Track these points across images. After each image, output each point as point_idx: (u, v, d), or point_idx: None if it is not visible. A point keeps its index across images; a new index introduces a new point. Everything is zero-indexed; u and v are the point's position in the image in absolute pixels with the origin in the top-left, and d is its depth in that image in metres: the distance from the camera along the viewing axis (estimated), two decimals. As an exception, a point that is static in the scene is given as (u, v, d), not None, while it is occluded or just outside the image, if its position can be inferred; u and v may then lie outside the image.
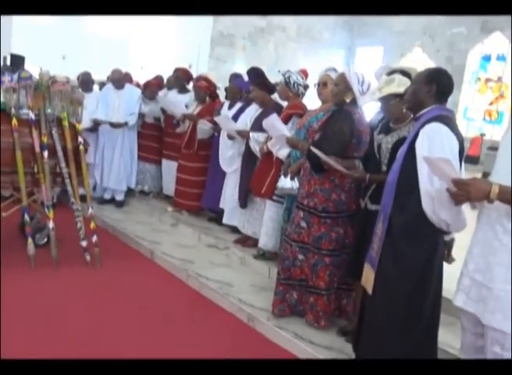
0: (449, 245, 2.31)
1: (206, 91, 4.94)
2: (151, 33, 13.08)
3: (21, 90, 3.79)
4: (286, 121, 3.58)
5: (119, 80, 5.32)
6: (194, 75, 15.97)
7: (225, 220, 4.59)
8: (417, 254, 2.10)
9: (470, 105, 16.94)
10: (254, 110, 4.29)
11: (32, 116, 3.75)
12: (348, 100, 2.84)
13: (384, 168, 2.56)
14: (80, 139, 3.97)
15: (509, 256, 1.76)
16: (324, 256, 2.86)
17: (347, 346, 2.71)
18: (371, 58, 19.52)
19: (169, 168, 5.50)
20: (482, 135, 14.87)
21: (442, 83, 2.17)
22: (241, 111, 4.56)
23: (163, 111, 5.40)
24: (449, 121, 2.08)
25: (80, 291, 3.35)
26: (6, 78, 3.74)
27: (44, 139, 3.76)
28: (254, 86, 4.08)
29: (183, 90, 5.52)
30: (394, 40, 17.71)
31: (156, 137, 5.70)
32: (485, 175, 7.81)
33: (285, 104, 4.10)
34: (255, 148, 3.95)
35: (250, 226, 4.18)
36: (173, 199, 5.24)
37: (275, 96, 4.16)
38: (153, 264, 4.02)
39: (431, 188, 1.98)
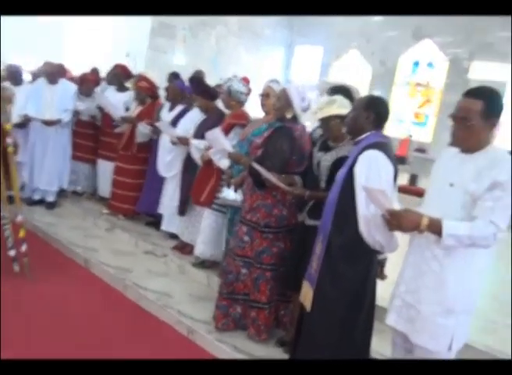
0: (382, 264, 2.44)
1: (147, 91, 4.80)
2: (88, 19, 12.49)
3: None
4: (227, 131, 3.58)
5: (52, 74, 5.04)
6: (132, 66, 15.44)
7: (163, 227, 4.52)
8: (355, 273, 2.20)
9: (400, 107, 17.80)
10: (196, 115, 4.24)
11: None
12: (289, 116, 2.88)
13: (322, 185, 2.64)
14: (9, 140, 3.73)
15: (435, 280, 1.89)
16: (265, 271, 2.90)
17: (285, 357, 2.78)
18: (310, 57, 19.91)
19: (105, 168, 5.32)
20: (410, 136, 15.66)
21: (379, 111, 2.29)
22: (182, 114, 4.49)
23: (100, 109, 5.20)
24: (385, 148, 2.20)
25: (10, 305, 3.15)
26: None
27: (-31, 140, 3.51)
28: (195, 95, 4.04)
29: (121, 88, 5.33)
30: (333, 41, 18.16)
31: (91, 135, 5.48)
32: (413, 177, 8.24)
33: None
34: (195, 156, 3.91)
35: (189, 234, 4.15)
36: (108, 202, 5.07)
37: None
38: (88, 273, 3.87)
39: (367, 212, 2.08)
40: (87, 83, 5.36)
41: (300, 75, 19.83)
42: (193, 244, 4.10)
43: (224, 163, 3.55)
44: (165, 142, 4.33)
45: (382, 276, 2.45)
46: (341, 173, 2.25)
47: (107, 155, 5.28)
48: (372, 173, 2.09)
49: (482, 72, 15.67)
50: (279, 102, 2.91)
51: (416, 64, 17.31)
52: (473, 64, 15.86)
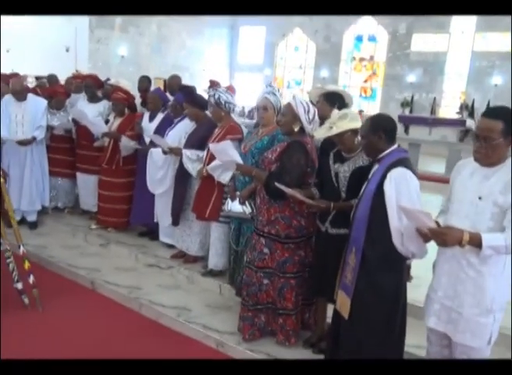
0: (408, 267, 2.64)
1: (124, 102, 4.71)
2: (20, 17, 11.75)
3: None
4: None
5: (21, 91, 4.82)
6: (73, 60, 14.75)
7: (161, 238, 4.55)
8: (390, 281, 2.39)
9: (348, 82, 18.23)
10: (186, 125, 4.24)
11: None
12: (296, 129, 2.98)
13: (343, 195, 2.79)
14: (-5, 174, 3.61)
15: (474, 285, 2.11)
16: (289, 279, 3.03)
17: (317, 357, 2.95)
18: (254, 38, 19.84)
19: (86, 182, 5.22)
20: (361, 111, 16.12)
21: (387, 128, 2.45)
22: (165, 123, 4.47)
23: (75, 121, 5.05)
24: (408, 163, 2.37)
25: (26, 338, 3.11)
26: None
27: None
28: (186, 103, 4.03)
29: (94, 98, 5.17)
30: (275, 20, 18.15)
31: (67, 149, 5.32)
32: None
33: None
34: (188, 166, 3.93)
35: (184, 243, 4.20)
36: (96, 216, 5.00)
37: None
38: (97, 295, 3.83)
39: (399, 225, 2.25)
40: (57, 96, 5.16)
41: (246, 56, 19.78)
42: (188, 253, 4.16)
43: (225, 178, 3.61)
44: (155, 159, 4.30)
45: (409, 279, 2.65)
46: (369, 190, 2.40)
47: (86, 168, 5.17)
48: (403, 190, 2.25)
49: (423, 43, 16.31)
50: (284, 118, 2.99)
51: (359, 39, 17.73)
52: (414, 36, 16.44)
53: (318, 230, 2.99)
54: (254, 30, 19.42)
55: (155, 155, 4.31)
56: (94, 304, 3.71)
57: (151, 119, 4.58)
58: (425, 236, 2.06)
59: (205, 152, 3.77)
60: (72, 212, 5.45)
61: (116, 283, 3.88)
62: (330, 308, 3.03)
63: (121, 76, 10.17)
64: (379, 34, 17.30)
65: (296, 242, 3.02)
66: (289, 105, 3.01)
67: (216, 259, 3.85)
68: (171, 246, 4.48)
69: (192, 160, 3.90)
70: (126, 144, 4.56)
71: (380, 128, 2.42)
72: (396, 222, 2.26)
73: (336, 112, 2.85)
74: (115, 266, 4.25)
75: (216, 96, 3.64)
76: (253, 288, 3.10)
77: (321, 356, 2.93)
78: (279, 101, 3.46)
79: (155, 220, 4.58)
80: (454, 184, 2.27)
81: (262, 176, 2.96)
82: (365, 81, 17.93)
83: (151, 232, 4.78)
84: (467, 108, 14.15)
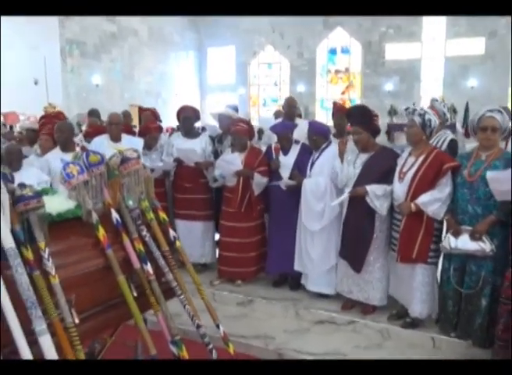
0: None
1: (247, 135, 4.08)
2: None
3: (92, 181, 2.53)
4: (442, 176, 3.14)
5: (118, 130, 4.04)
6: (44, 93, 13.63)
7: (312, 287, 3.91)
8: None
9: (325, 95, 18.23)
10: (333, 153, 3.71)
11: (117, 216, 2.55)
12: None
13: None
14: (172, 232, 2.88)
15: None
16: None
17: None
18: (223, 58, 19.42)
19: (188, 230, 4.47)
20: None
21: None
22: (304, 153, 3.92)
23: (179, 161, 4.33)
24: None
25: None
26: (75, 168, 2.44)
27: (139, 246, 2.59)
28: (357, 126, 3.48)
29: (191, 133, 4.46)
30: (244, 38, 17.91)
31: (161, 194, 4.53)
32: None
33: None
34: (375, 204, 3.38)
35: (361, 291, 3.60)
36: (218, 268, 4.27)
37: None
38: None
39: None
40: (151, 132, 4.41)
41: (217, 76, 19.27)
42: (368, 303, 3.59)
43: (439, 213, 3.13)
44: (313, 190, 3.71)
45: None
46: None
47: (188, 214, 4.44)
48: None
49: (396, 52, 16.66)
50: None
51: (332, 52, 17.82)
52: (387, 46, 16.76)
53: None
54: (222, 50, 18.99)
55: (312, 186, 3.74)
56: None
57: (285, 151, 3.98)
58: None
59: (404, 185, 3.25)
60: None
61: (308, 352, 3.22)
62: None
63: (97, 105, 9.23)
64: (352, 46, 17.48)
65: None
66: None
67: (421, 307, 3.31)
68: (324, 295, 3.86)
69: (378, 196, 3.35)
70: (260, 181, 3.92)
71: None
72: None
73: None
74: (281, 328, 3.56)
75: (426, 117, 3.17)
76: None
77: None
78: (505, 120, 3.05)
79: (296, 268, 3.96)
80: None
81: None
82: (342, 93, 18.01)
83: (286, 280, 4.14)
84: (455, 112, 14.51)
